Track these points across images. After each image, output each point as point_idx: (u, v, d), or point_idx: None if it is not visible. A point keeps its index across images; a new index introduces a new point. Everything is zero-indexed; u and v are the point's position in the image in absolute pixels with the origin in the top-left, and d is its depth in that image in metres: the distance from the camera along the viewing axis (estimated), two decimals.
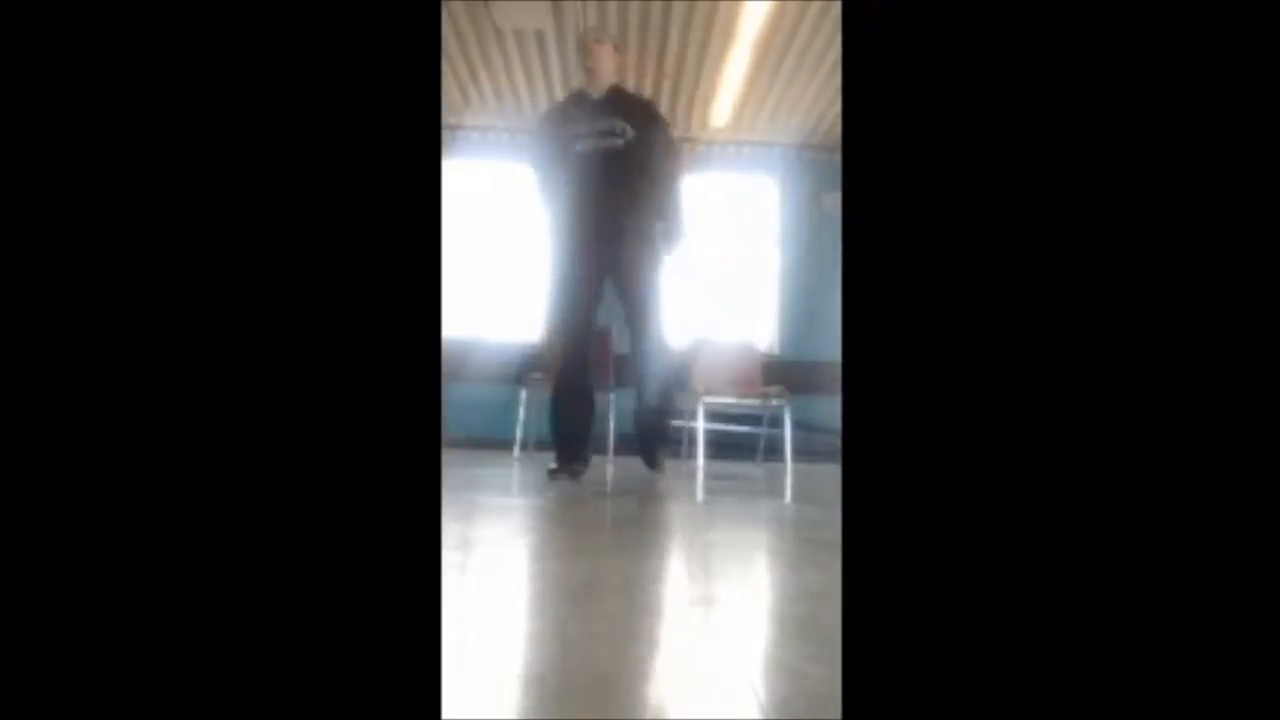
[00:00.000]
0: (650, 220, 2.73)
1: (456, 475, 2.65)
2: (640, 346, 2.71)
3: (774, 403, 3.31)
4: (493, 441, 4.14)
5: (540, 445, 3.80)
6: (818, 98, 4.81)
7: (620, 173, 2.65)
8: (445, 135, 5.15)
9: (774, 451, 3.52)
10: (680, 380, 2.93)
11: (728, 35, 4.07)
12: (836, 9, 3.77)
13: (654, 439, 2.81)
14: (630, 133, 2.68)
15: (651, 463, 2.81)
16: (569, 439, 2.71)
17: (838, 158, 4.61)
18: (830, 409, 4.16)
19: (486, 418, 4.36)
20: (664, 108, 4.97)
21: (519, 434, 3.76)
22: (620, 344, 3.05)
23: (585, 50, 2.78)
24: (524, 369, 3.69)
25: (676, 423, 3.38)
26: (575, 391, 2.72)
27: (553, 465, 2.68)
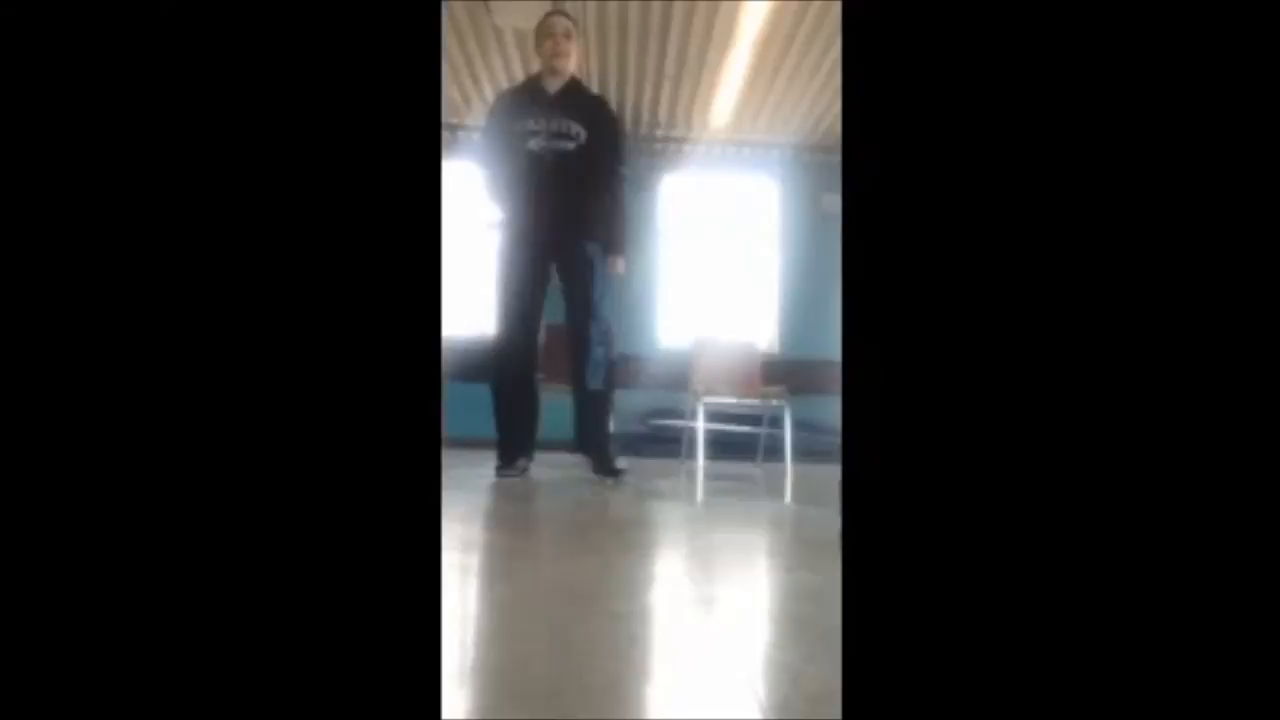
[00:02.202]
0: (597, 223, 2.70)
1: (456, 475, 2.65)
2: (580, 344, 2.67)
3: (774, 403, 3.31)
4: (492, 442, 4.14)
5: (540, 445, 3.79)
6: (818, 98, 4.82)
7: (571, 176, 2.62)
8: (445, 135, 5.15)
9: (774, 451, 3.52)
10: (618, 380, 2.90)
11: (728, 35, 4.07)
12: (836, 9, 3.77)
13: (601, 442, 2.73)
14: (583, 135, 2.64)
15: (606, 468, 2.68)
16: (513, 436, 2.71)
17: (838, 158, 4.61)
18: (830, 409, 4.16)
19: (486, 418, 4.36)
20: (663, 108, 4.97)
21: None
22: (623, 344, 3.04)
23: (553, 41, 2.67)
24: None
25: (673, 422, 3.37)
26: (518, 389, 2.71)
27: (498, 464, 2.68)
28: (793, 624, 0.98)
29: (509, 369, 2.73)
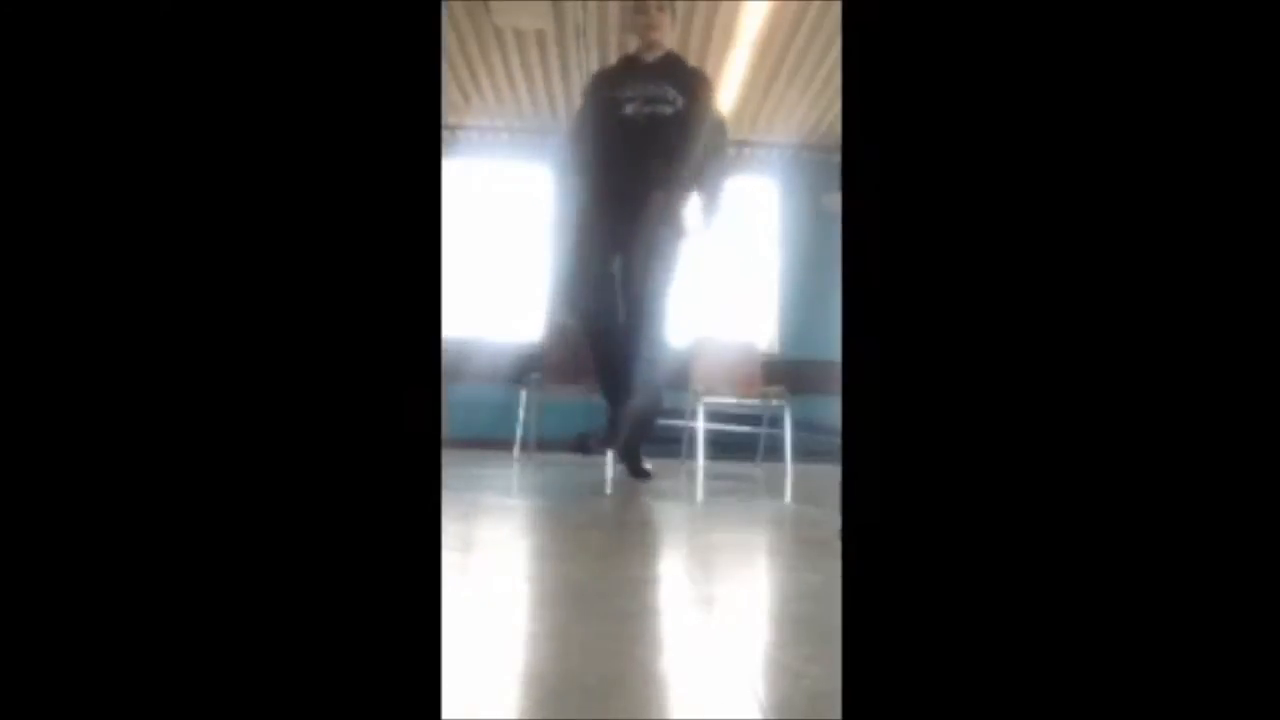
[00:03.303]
0: (681, 197, 2.60)
1: (456, 475, 2.66)
2: (635, 341, 2.53)
3: (774, 403, 3.31)
4: (493, 442, 4.14)
5: (540, 445, 3.80)
6: (818, 98, 4.82)
7: (665, 141, 2.53)
8: (445, 135, 5.15)
9: (774, 451, 3.52)
10: (668, 383, 2.80)
11: (728, 35, 4.08)
12: (836, 9, 3.77)
13: (637, 443, 2.65)
14: (681, 101, 2.55)
15: (636, 470, 2.65)
16: (616, 391, 2.58)
17: (838, 158, 4.61)
18: (830, 409, 4.17)
19: (486, 418, 4.37)
20: None
21: (519, 434, 3.77)
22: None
23: (645, 16, 2.61)
24: (524, 369, 3.70)
25: (673, 422, 3.35)
26: (614, 353, 2.57)
27: (599, 439, 2.60)
28: (793, 624, 0.98)
29: (597, 339, 2.61)
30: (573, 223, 2.64)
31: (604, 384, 2.65)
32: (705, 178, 2.62)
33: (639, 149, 2.52)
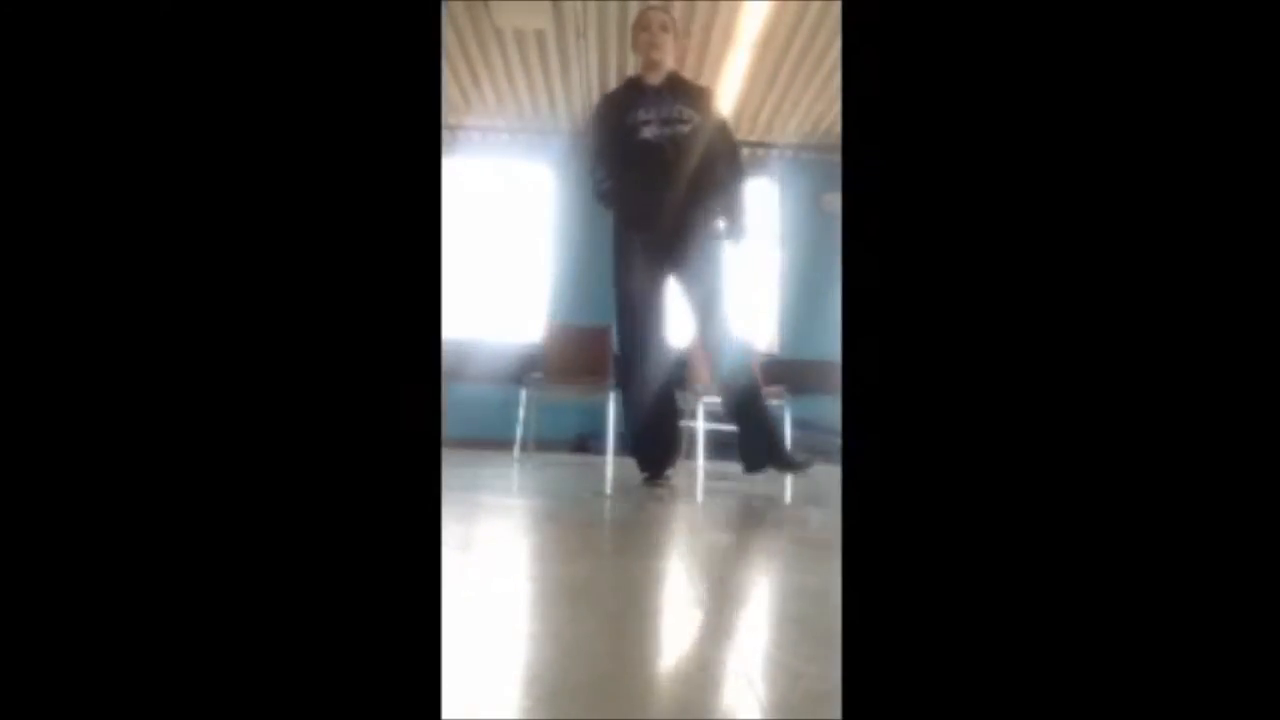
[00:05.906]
0: (714, 211, 2.63)
1: (456, 475, 2.65)
2: (713, 344, 2.58)
3: (774, 403, 3.31)
4: (493, 441, 4.14)
5: (540, 445, 3.80)
6: (818, 98, 4.82)
7: (687, 161, 2.53)
8: (445, 135, 5.15)
9: None
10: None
11: (728, 35, 4.08)
12: (836, 9, 3.77)
13: (760, 435, 2.60)
14: (696, 119, 2.56)
15: (790, 464, 2.55)
16: (655, 447, 2.63)
17: (838, 158, 4.61)
18: (830, 409, 4.16)
19: (486, 418, 4.37)
20: None
21: (519, 434, 3.77)
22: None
23: (649, 34, 2.60)
24: (524, 369, 3.69)
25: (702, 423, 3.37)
26: (655, 397, 2.61)
27: (645, 474, 2.60)
28: (792, 624, 0.98)
29: (640, 378, 2.63)
30: (612, 258, 2.66)
31: (633, 427, 2.69)
32: (728, 201, 2.65)
33: (664, 172, 2.53)
